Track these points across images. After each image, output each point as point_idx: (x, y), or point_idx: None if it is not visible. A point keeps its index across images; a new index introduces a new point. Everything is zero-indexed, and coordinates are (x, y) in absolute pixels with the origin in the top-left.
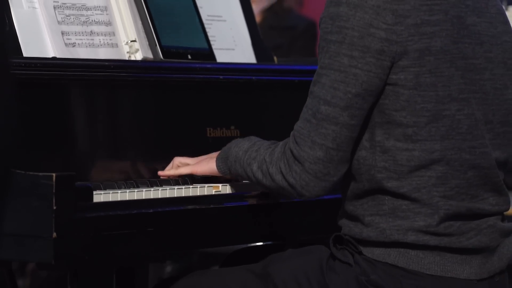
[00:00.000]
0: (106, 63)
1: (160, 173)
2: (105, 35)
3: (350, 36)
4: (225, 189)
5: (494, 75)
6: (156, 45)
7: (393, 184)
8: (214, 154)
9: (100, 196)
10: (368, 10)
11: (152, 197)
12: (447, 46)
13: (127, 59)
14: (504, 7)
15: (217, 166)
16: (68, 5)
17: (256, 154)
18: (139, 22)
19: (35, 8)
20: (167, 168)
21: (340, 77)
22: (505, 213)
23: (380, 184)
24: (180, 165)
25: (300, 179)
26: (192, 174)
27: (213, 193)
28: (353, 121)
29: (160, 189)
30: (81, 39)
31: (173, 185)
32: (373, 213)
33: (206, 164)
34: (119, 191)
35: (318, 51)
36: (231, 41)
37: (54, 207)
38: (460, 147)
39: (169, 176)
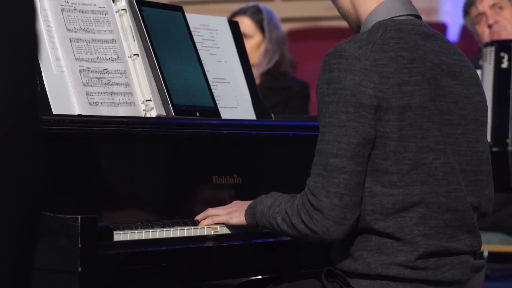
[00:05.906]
0: (125, 120)
1: (200, 223)
2: (124, 95)
3: (344, 95)
4: (222, 230)
5: (467, 130)
6: (168, 103)
7: (380, 225)
8: (242, 205)
9: (119, 236)
10: (357, 72)
11: (165, 236)
12: (425, 103)
13: (143, 116)
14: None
15: (247, 220)
16: (92, 69)
17: (278, 208)
18: (154, 84)
19: (63, 71)
20: (201, 216)
21: (342, 131)
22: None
23: (368, 225)
24: (214, 214)
25: (321, 226)
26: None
27: (212, 233)
28: (359, 167)
29: (172, 229)
30: (103, 99)
31: (183, 226)
32: (362, 248)
33: (237, 218)
34: (136, 231)
35: (318, 114)
36: (234, 101)
37: (79, 245)
38: (437, 191)
39: (206, 225)
